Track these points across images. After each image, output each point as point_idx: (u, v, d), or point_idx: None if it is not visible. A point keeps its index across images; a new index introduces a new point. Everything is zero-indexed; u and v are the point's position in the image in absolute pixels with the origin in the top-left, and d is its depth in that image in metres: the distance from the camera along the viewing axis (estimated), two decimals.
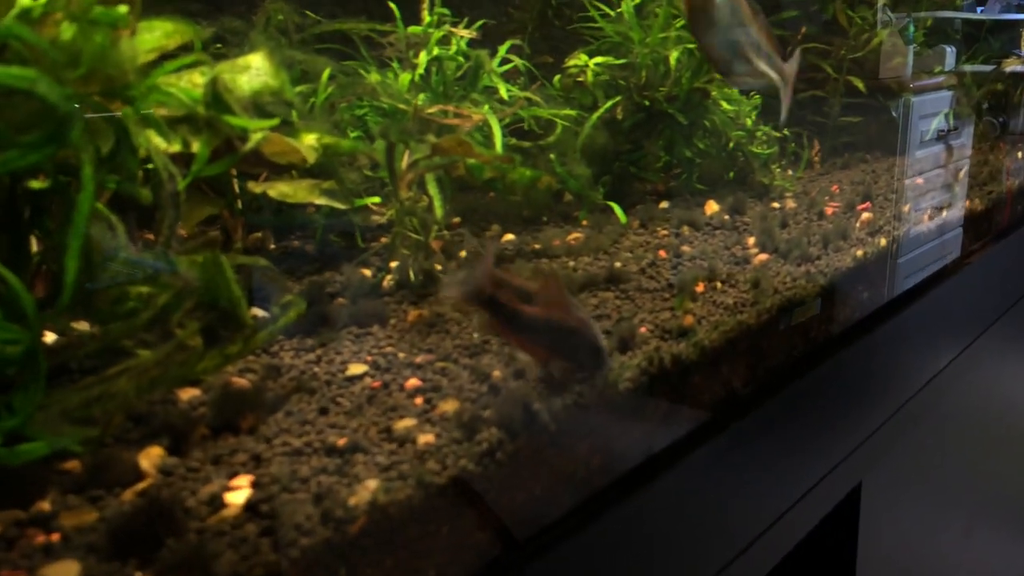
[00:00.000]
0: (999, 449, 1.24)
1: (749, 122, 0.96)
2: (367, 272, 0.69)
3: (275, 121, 0.53)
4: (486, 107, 0.77)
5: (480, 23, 0.83)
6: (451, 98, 0.79)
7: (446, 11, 0.78)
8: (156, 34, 0.53)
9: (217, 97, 0.51)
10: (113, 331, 0.48)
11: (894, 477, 0.85)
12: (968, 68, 1.62)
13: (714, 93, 0.94)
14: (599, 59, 0.89)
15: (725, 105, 0.96)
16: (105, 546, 0.36)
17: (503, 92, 0.80)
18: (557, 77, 0.93)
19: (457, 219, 0.79)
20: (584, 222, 0.83)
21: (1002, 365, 1.18)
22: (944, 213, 1.00)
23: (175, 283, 0.50)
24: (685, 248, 0.75)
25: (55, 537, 0.36)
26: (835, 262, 0.72)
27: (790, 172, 1.09)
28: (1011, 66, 1.75)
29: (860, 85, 1.14)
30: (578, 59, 0.89)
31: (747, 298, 0.64)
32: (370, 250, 0.72)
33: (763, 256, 0.72)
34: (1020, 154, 1.52)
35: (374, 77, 0.73)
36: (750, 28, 0.69)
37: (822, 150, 1.17)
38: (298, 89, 0.74)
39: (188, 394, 0.49)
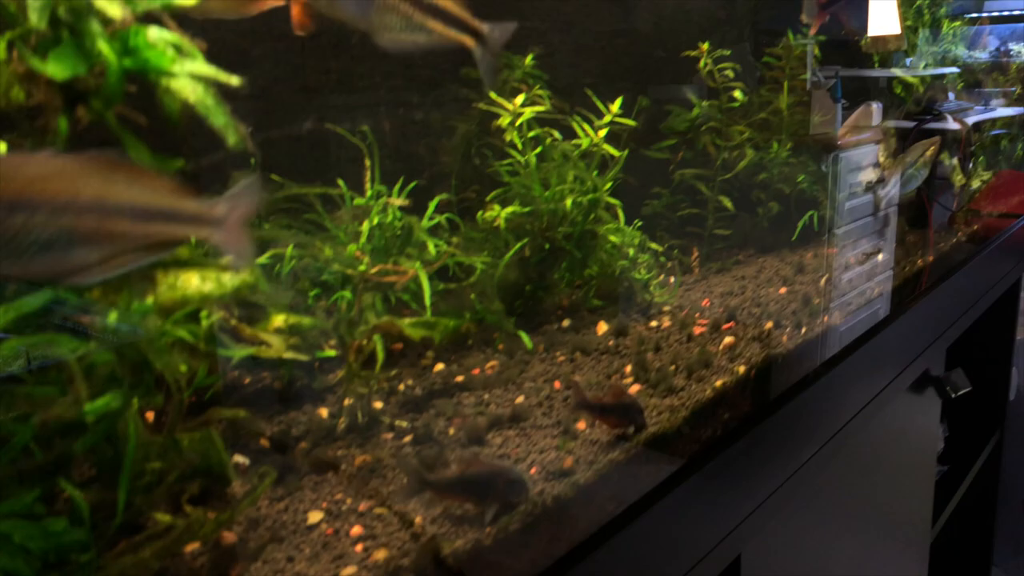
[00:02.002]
0: (876, 522, 1.47)
1: (631, 252, 1.16)
2: (324, 412, 0.86)
3: (253, 350, 0.70)
4: (417, 264, 0.95)
5: (413, 184, 1.01)
6: (390, 254, 0.97)
7: (383, 188, 0.97)
8: None
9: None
10: (136, 504, 0.64)
11: (773, 547, 1.05)
12: (892, 124, 1.85)
13: (601, 230, 1.14)
14: (509, 209, 1.08)
15: (613, 238, 1.16)
16: None
17: (431, 249, 0.98)
18: (480, 213, 1.12)
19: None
20: (500, 346, 1.02)
21: (880, 444, 1.41)
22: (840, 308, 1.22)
23: (179, 462, 0.66)
24: (576, 378, 0.94)
25: None
26: (697, 393, 0.92)
27: (672, 279, 1.31)
28: (933, 123, 1.99)
29: (729, 205, 1.36)
30: (493, 210, 1.08)
31: (621, 433, 0.83)
32: (327, 384, 0.90)
33: (636, 387, 0.92)
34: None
35: (327, 252, 0.90)
36: None
37: (700, 255, 1.38)
38: (263, 259, 0.91)
39: (189, 547, 0.66)
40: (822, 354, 1.15)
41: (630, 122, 1.21)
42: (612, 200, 1.18)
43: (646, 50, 1.58)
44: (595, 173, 1.18)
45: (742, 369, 0.96)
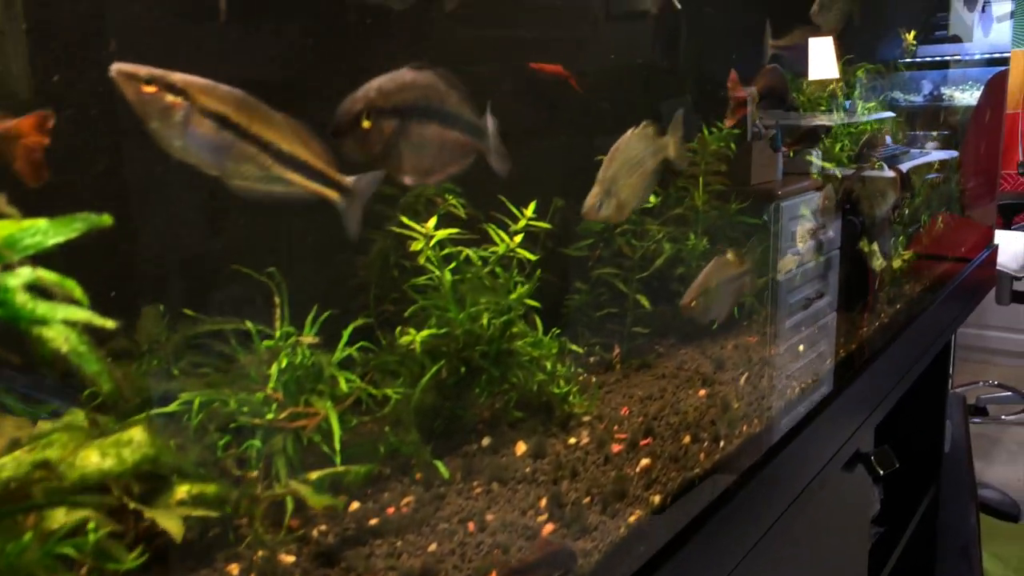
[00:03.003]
0: None
1: (548, 365, 1.18)
2: (235, 570, 0.85)
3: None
4: (328, 404, 0.95)
5: (325, 316, 1.02)
6: (303, 392, 0.97)
7: (292, 329, 0.97)
8: None
9: None
10: None
11: None
12: (832, 170, 1.90)
13: (518, 344, 1.15)
14: (425, 332, 1.09)
15: (531, 351, 1.17)
16: None
17: (343, 385, 0.98)
18: (398, 330, 1.12)
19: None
20: (418, 475, 1.02)
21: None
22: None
23: None
24: (489, 517, 0.94)
25: None
26: (612, 531, 0.93)
27: (593, 379, 1.32)
28: (869, 169, 2.04)
29: (646, 304, 1.39)
30: (409, 334, 1.09)
31: None
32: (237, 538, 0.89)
33: (549, 527, 0.93)
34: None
35: (233, 403, 0.90)
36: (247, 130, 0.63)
37: (621, 352, 1.40)
38: (174, 406, 0.90)
39: None
40: (741, 463, 1.17)
41: (545, 225, 1.24)
42: (532, 303, 1.20)
43: (589, 97, 1.57)
44: (514, 277, 1.20)
45: (657, 499, 0.97)
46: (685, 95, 1.85)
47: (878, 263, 1.64)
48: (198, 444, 0.87)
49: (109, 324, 0.53)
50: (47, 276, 0.53)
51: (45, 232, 0.52)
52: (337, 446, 0.91)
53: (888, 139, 2.73)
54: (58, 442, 0.69)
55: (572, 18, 1.51)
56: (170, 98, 0.61)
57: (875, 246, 1.65)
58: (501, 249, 1.21)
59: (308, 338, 0.98)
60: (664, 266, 1.48)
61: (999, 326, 4.75)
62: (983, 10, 2.84)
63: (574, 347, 1.34)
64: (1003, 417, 3.97)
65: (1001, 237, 3.56)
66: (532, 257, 1.21)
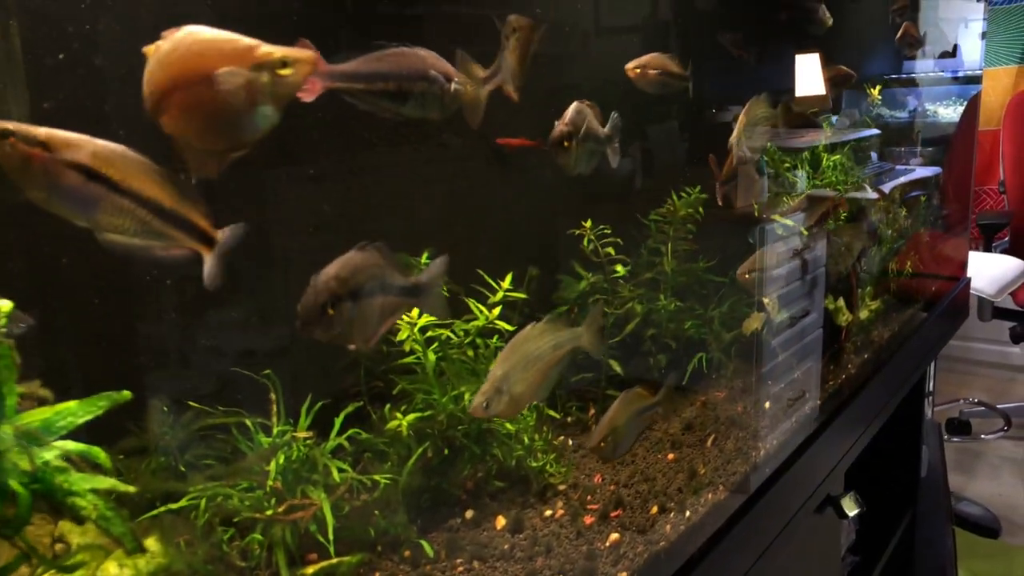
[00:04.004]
0: None
1: (526, 439, 1.28)
2: None
3: None
4: (322, 495, 1.05)
5: (319, 405, 1.12)
6: (299, 483, 1.07)
7: (288, 426, 1.07)
8: None
9: None
10: None
11: None
12: (814, 192, 1.98)
13: (497, 422, 1.25)
14: (411, 416, 1.19)
15: (508, 427, 1.27)
16: None
17: (335, 475, 1.08)
18: (387, 408, 1.22)
19: None
20: (407, 553, 1.12)
21: None
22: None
23: None
24: None
25: None
26: None
27: (570, 442, 1.42)
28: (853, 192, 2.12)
29: (617, 369, 1.49)
30: (396, 418, 1.18)
31: None
32: None
33: None
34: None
35: (235, 501, 0.99)
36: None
37: (596, 412, 1.50)
38: (184, 502, 1.00)
39: None
40: (716, 521, 1.27)
41: (521, 295, 1.35)
42: None
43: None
44: (495, 344, 1.30)
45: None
46: (671, 120, 1.94)
47: (844, 318, 1.73)
48: (205, 542, 0.97)
49: (130, 489, 0.62)
50: (74, 447, 0.62)
51: (75, 413, 0.61)
52: (331, 535, 1.01)
53: (873, 155, 2.81)
54: (83, 560, 0.79)
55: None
56: (30, 150, 0.63)
57: (840, 302, 1.74)
58: (481, 322, 1.31)
59: (303, 433, 1.08)
60: (635, 329, 1.58)
61: (983, 338, 4.85)
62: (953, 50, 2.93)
63: (551, 412, 1.45)
64: (983, 436, 4.07)
65: (979, 260, 3.66)
66: (510, 328, 1.31)
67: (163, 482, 1.02)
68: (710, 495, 1.29)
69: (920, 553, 2.69)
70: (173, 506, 0.99)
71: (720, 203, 1.57)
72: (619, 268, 1.52)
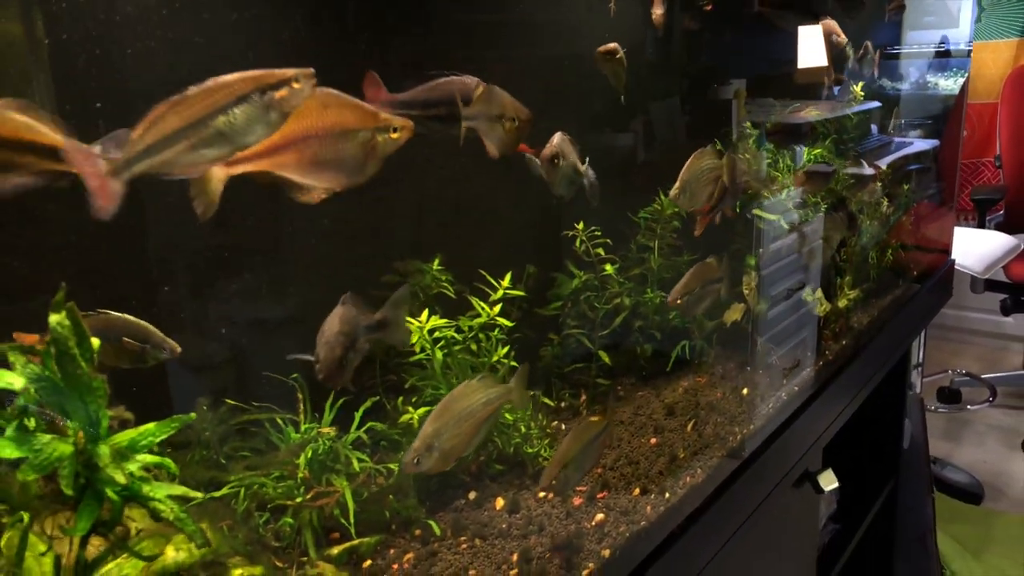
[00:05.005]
0: None
1: (523, 428, 1.43)
2: None
3: None
4: (344, 483, 1.21)
5: (341, 401, 1.27)
6: (324, 472, 1.22)
7: (314, 423, 1.22)
8: None
9: None
10: None
11: None
12: (812, 168, 2.08)
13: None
14: (422, 410, 1.34)
15: (507, 416, 1.42)
16: None
17: (355, 465, 1.23)
18: (400, 400, 1.37)
19: None
20: (417, 532, 1.28)
21: None
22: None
23: None
24: (471, 573, 1.20)
25: None
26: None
27: (563, 427, 1.58)
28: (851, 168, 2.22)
29: (606, 359, 1.63)
30: (408, 412, 1.34)
31: None
32: None
33: None
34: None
35: (269, 489, 1.15)
36: None
37: (587, 398, 1.65)
38: (223, 491, 1.15)
39: None
40: (689, 504, 1.42)
41: (519, 292, 1.50)
42: (512, 363, 1.45)
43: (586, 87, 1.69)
44: (496, 336, 1.45)
45: (607, 552, 1.23)
46: (672, 96, 2.05)
47: (821, 309, 1.86)
48: (244, 525, 1.13)
49: (198, 496, 0.78)
50: (151, 459, 0.77)
51: (154, 433, 0.76)
52: (351, 518, 1.17)
53: (874, 128, 2.90)
54: (146, 545, 0.95)
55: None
56: None
57: (819, 293, 1.88)
58: (483, 318, 1.46)
59: (327, 428, 1.23)
60: (623, 321, 1.73)
61: (977, 307, 4.97)
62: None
63: (546, 400, 1.60)
64: (968, 407, 4.21)
65: (969, 236, 3.77)
66: (509, 324, 1.46)
67: (207, 471, 1.18)
68: (688, 478, 1.45)
69: (901, 521, 2.85)
70: (216, 494, 1.15)
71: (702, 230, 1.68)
72: (608, 267, 1.66)
